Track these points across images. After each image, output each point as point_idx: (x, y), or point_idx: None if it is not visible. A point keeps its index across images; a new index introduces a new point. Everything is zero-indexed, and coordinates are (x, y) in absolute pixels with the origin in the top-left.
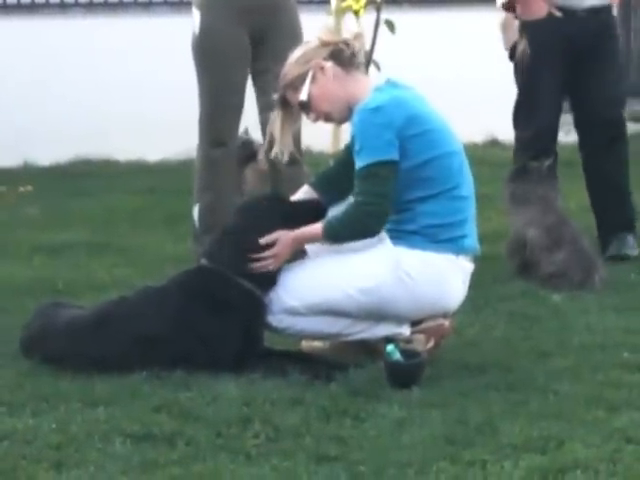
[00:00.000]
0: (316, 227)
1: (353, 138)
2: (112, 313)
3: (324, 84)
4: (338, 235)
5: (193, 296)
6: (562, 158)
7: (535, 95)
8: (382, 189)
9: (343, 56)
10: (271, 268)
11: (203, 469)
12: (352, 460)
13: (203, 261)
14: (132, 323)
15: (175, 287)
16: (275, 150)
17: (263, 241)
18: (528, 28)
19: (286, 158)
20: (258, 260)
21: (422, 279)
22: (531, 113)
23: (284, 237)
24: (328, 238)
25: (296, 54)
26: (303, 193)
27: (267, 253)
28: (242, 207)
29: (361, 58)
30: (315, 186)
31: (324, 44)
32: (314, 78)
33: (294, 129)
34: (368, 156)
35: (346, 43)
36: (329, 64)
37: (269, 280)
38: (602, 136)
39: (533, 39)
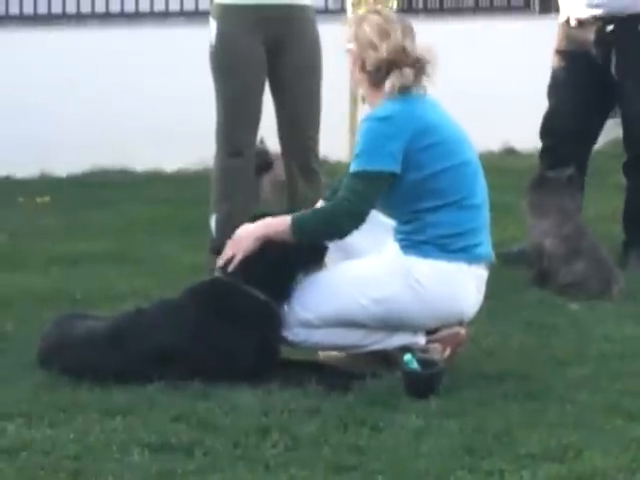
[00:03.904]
0: (284, 219)
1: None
2: (128, 326)
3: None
4: (305, 228)
5: (209, 309)
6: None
7: (552, 101)
8: (368, 194)
9: (380, 76)
10: (236, 259)
11: (221, 479)
12: (370, 470)
13: (217, 273)
14: (148, 336)
15: (190, 300)
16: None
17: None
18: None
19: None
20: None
21: (433, 288)
22: (549, 120)
23: (244, 228)
24: (294, 230)
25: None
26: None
27: (228, 244)
28: (257, 218)
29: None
30: (329, 200)
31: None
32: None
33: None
34: (365, 162)
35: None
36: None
37: (283, 292)
38: (629, 153)
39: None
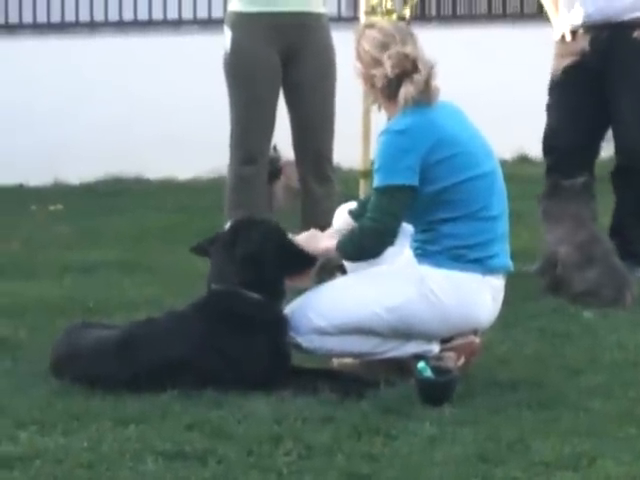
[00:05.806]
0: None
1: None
2: (138, 337)
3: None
4: (346, 251)
5: (215, 319)
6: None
7: (550, 119)
8: (393, 208)
9: (392, 89)
10: (315, 251)
11: None
12: (384, 478)
13: (213, 285)
14: (157, 346)
15: (196, 312)
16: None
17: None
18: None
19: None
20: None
21: (447, 297)
22: (548, 138)
23: (318, 235)
24: (339, 253)
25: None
26: (343, 221)
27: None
28: (239, 223)
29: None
30: (354, 215)
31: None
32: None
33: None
34: (385, 178)
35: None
36: (380, 82)
37: (276, 290)
38: (619, 163)
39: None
